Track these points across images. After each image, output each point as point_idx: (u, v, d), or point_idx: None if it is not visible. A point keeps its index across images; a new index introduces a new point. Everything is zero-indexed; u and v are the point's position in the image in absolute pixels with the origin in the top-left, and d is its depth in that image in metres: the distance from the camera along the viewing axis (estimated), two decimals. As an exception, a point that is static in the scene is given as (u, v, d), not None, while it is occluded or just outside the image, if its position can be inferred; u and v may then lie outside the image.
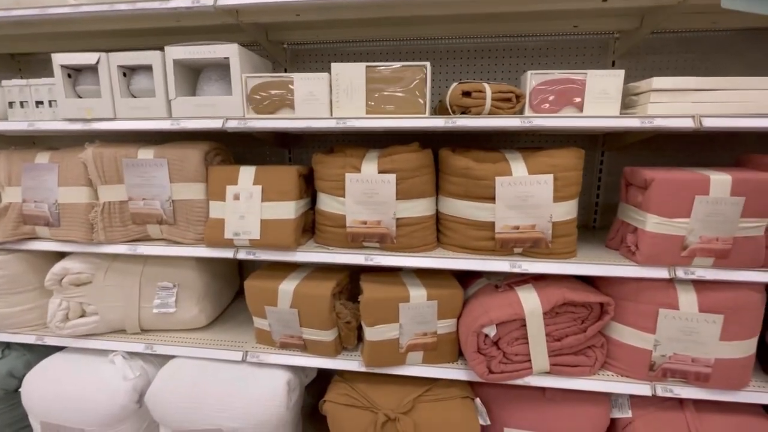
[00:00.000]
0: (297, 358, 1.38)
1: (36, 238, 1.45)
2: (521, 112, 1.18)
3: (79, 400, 1.37)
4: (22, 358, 1.55)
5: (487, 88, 1.14)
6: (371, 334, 1.27)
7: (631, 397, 1.30)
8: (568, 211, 1.19)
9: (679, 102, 1.09)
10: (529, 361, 1.23)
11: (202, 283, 1.52)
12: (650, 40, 1.46)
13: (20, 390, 1.47)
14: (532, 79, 1.15)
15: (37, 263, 1.53)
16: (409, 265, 1.25)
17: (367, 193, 1.23)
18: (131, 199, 1.36)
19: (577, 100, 1.14)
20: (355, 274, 1.46)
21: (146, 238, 1.42)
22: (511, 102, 1.16)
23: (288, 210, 1.28)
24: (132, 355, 1.49)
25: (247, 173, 1.30)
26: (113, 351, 1.48)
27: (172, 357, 1.47)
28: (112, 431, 1.39)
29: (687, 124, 1.05)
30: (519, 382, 1.26)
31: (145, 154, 1.33)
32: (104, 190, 1.37)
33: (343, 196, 1.25)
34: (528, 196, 1.15)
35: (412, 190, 1.23)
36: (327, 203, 1.30)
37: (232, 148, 1.58)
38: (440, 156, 1.27)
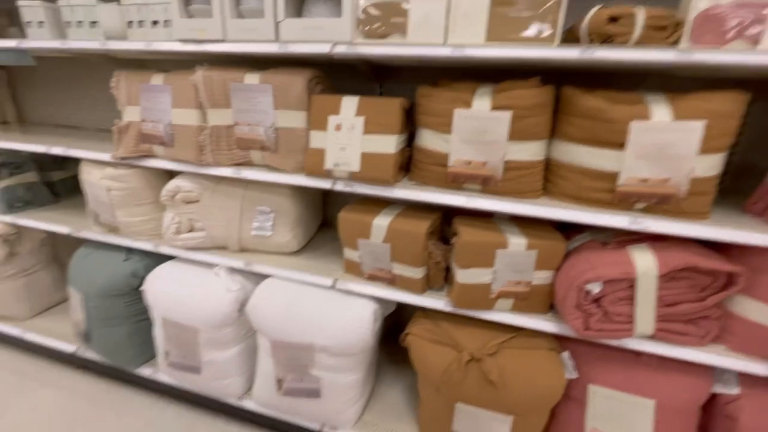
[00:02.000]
0: (384, 291, 1.43)
1: (152, 156, 1.57)
2: (676, 43, 0.99)
3: (192, 303, 1.55)
4: (142, 261, 1.76)
5: (640, 14, 0.96)
6: (463, 276, 1.26)
7: (740, 374, 1.20)
8: (712, 165, 1.03)
9: None
10: (631, 323, 1.16)
11: (296, 211, 1.58)
12: None
13: (142, 288, 1.69)
14: (700, 1, 0.95)
15: (153, 179, 1.68)
16: (513, 211, 1.18)
17: (476, 131, 1.15)
18: (237, 123, 1.40)
19: (754, 31, 0.94)
20: (445, 216, 1.43)
21: (249, 163, 1.48)
22: (666, 31, 0.98)
23: (389, 144, 1.25)
24: (232, 270, 1.63)
25: (349, 103, 1.27)
26: (217, 265, 1.64)
27: (267, 276, 1.59)
28: (219, 333, 1.57)
29: None
30: (614, 342, 1.21)
31: (251, 79, 1.34)
32: (212, 114, 1.42)
33: (449, 133, 1.18)
34: (668, 145, 1.00)
35: (527, 131, 1.13)
36: (429, 140, 1.24)
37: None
38: (564, 95, 1.14)
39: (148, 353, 1.87)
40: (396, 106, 1.23)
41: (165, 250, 1.70)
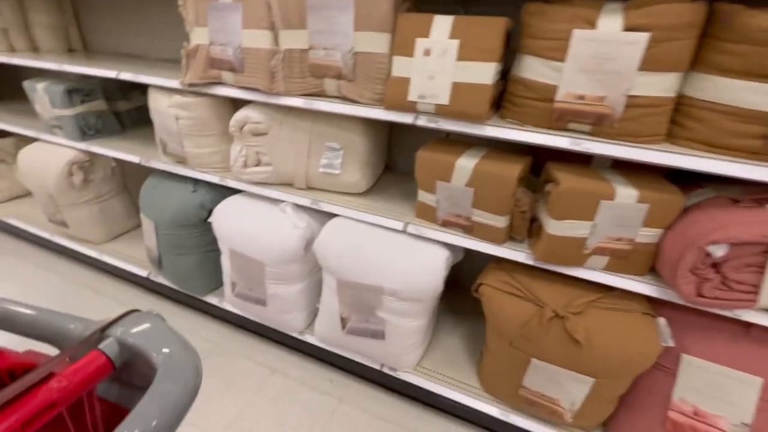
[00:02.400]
0: (459, 239, 1.34)
1: (221, 83, 1.49)
2: None
3: (258, 238, 1.55)
4: (209, 194, 1.77)
5: None
6: (556, 227, 1.14)
7: None
8: None
9: None
10: (756, 293, 1.01)
11: (366, 150, 1.49)
12: None
13: (209, 220, 1.71)
14: None
15: (220, 109, 1.63)
16: (630, 157, 1.02)
17: (599, 57, 0.96)
18: (312, 47, 1.28)
19: None
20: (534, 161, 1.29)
21: (321, 94, 1.37)
22: None
23: (486, 73, 1.09)
24: (299, 207, 1.59)
25: (443, 24, 1.10)
26: (283, 201, 1.60)
27: (333, 215, 1.54)
28: (285, 268, 1.57)
29: None
30: (726, 312, 1.07)
31: (331, -7, 1.19)
32: (286, 36, 1.30)
33: (562, 60, 1.01)
34: None
35: (664, 60, 0.93)
36: (533, 69, 1.07)
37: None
38: (718, 13, 0.91)
39: (215, 282, 1.94)
40: (499, 28, 1.06)
41: (232, 183, 1.68)
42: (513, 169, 1.16)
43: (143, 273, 2.08)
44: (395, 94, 1.20)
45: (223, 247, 1.68)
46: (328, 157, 1.50)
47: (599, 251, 1.15)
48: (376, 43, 1.20)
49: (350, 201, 1.54)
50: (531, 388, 1.31)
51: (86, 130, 2.03)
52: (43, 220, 2.41)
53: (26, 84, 2.02)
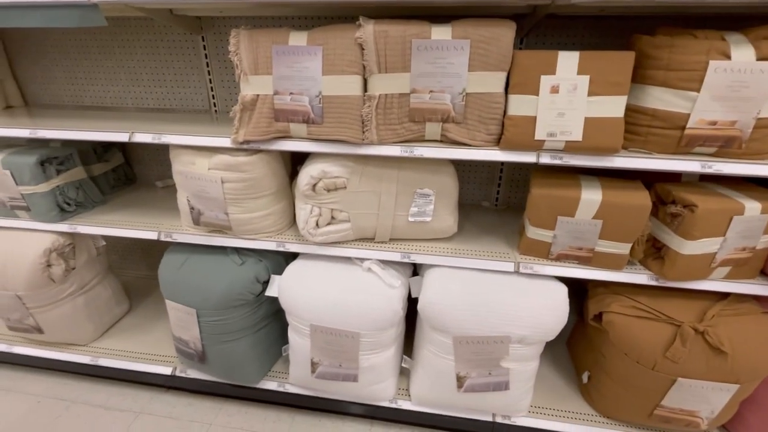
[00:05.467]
0: (574, 270, 1.31)
1: (287, 137, 1.28)
2: None
3: (349, 306, 1.35)
4: (259, 263, 1.50)
5: None
6: (689, 247, 1.17)
7: None
8: None
9: None
10: None
11: (456, 192, 1.39)
12: None
13: (270, 294, 1.46)
14: None
15: (275, 166, 1.40)
16: (758, 174, 1.09)
17: (734, 85, 1.02)
18: (415, 91, 1.16)
19: None
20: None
21: (419, 139, 1.25)
22: None
23: (618, 106, 1.08)
24: (382, 263, 1.43)
25: (568, 60, 1.08)
26: (362, 259, 1.43)
27: (413, 266, 1.42)
28: (381, 336, 1.39)
29: None
30: (836, 299, 1.20)
31: (441, 33, 1.10)
32: (381, 80, 1.16)
33: (695, 90, 1.04)
34: None
35: (790, 84, 1.02)
36: (663, 99, 1.09)
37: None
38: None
39: (268, 365, 1.66)
40: (629, 61, 1.06)
41: (293, 248, 1.45)
42: (644, 198, 1.17)
43: (165, 371, 1.69)
44: (518, 134, 1.14)
45: (298, 323, 1.43)
46: (418, 204, 1.37)
47: (725, 263, 1.21)
48: (492, 82, 1.13)
49: (443, 247, 1.42)
50: (669, 406, 1.32)
51: (65, 206, 1.60)
52: (-7, 329, 1.85)
53: (-31, 158, 1.53)
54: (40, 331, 1.72)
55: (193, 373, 1.68)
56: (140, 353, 1.77)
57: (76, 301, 1.73)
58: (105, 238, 1.71)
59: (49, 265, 1.59)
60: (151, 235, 1.52)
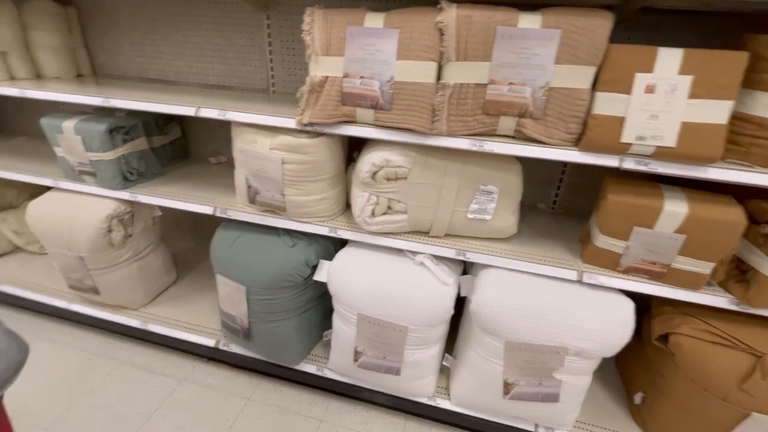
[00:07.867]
0: (644, 285, 1.23)
1: (353, 122, 1.25)
2: None
3: (400, 299, 1.32)
4: (311, 247, 1.50)
5: None
6: (786, 273, 1.06)
7: None
8: None
9: None
10: None
11: (521, 191, 1.32)
12: None
13: (319, 279, 1.45)
14: None
15: (335, 150, 1.38)
16: None
17: None
18: (493, 82, 1.10)
19: None
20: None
21: (490, 133, 1.19)
22: None
23: (722, 111, 0.98)
24: (436, 258, 1.39)
25: (669, 57, 0.98)
26: (414, 252, 1.39)
27: (463, 264, 1.36)
28: (429, 332, 1.36)
29: None
30: None
31: (530, 21, 1.03)
32: (458, 68, 1.10)
33: (817, 98, 0.93)
34: None
35: None
36: (774, 107, 0.98)
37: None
38: None
39: (309, 347, 1.67)
40: (741, 63, 0.96)
41: (345, 234, 1.44)
42: (738, 214, 1.07)
43: (209, 343, 1.73)
44: (602, 135, 1.06)
45: (345, 310, 1.42)
46: (479, 201, 1.31)
47: (823, 293, 1.09)
48: (579, 77, 1.05)
49: (500, 248, 1.36)
50: (736, 440, 1.22)
51: (129, 175, 1.65)
52: (52, 285, 1.96)
53: (45, 122, 1.60)
54: (96, 292, 1.80)
55: (235, 348, 1.71)
56: (186, 323, 1.82)
57: (131, 267, 1.79)
58: (161, 209, 1.76)
59: (110, 231, 1.65)
60: (207, 210, 1.54)
